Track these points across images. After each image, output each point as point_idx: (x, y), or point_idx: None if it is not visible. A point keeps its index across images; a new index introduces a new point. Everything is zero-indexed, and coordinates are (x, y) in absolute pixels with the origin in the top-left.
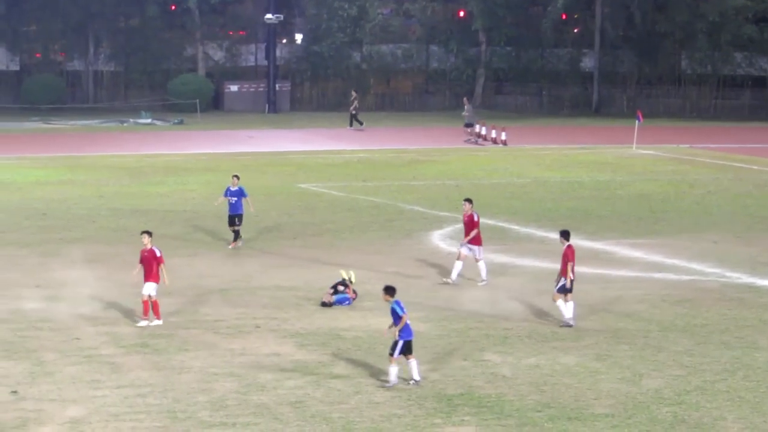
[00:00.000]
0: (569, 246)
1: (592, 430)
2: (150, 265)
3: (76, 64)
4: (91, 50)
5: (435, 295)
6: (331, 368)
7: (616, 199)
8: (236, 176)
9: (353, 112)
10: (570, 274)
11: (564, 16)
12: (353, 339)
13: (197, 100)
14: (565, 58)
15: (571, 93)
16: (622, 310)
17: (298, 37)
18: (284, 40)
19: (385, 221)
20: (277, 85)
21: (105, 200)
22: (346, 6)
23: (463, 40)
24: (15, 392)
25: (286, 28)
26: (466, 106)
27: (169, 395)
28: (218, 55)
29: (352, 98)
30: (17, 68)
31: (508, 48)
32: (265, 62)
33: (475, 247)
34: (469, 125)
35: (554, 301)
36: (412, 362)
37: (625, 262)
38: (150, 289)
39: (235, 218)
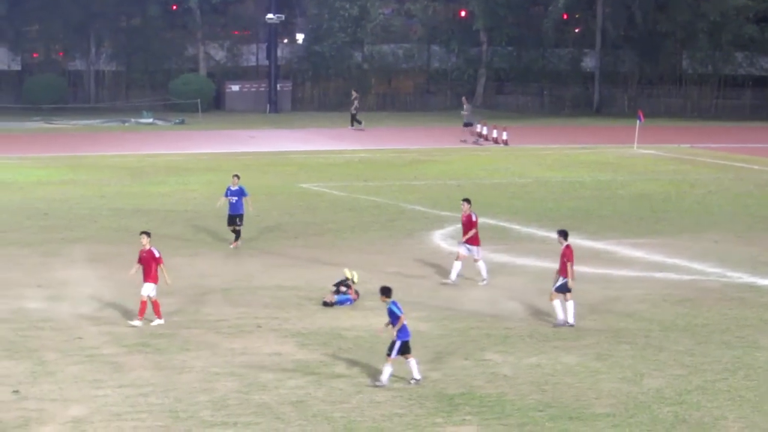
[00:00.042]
0: (568, 246)
1: (593, 429)
2: (149, 266)
3: (78, 64)
4: (93, 50)
5: (436, 295)
6: (332, 368)
7: (617, 199)
8: (236, 176)
9: (353, 111)
10: (569, 274)
11: (565, 16)
12: (354, 338)
13: (198, 100)
14: (566, 58)
15: (572, 93)
16: (623, 309)
17: (300, 37)
18: (285, 40)
19: (386, 221)
20: (278, 85)
21: (106, 200)
22: (348, 6)
23: (465, 40)
24: (17, 392)
25: (287, 28)
26: (465, 106)
27: (171, 395)
28: (219, 54)
29: (353, 98)
30: (19, 68)
31: (510, 48)
32: (267, 62)
33: (474, 248)
34: (468, 125)
35: (551, 300)
36: (411, 361)
37: (626, 262)
38: (149, 289)
39: (236, 218)
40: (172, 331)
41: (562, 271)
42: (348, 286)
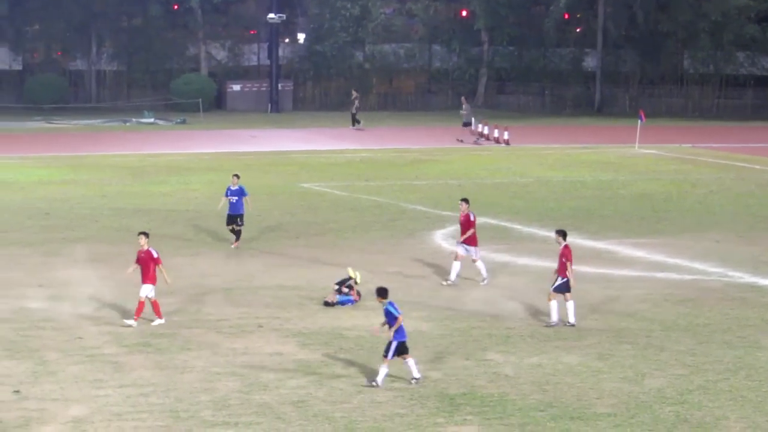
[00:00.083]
0: (566, 246)
1: (594, 429)
2: (147, 267)
3: (79, 64)
4: (94, 50)
5: (437, 295)
6: (333, 368)
7: (619, 199)
8: (236, 175)
9: (354, 111)
10: (569, 274)
11: (566, 16)
12: (356, 338)
13: (200, 100)
14: (568, 58)
15: (573, 92)
16: (624, 309)
17: (301, 37)
18: (287, 40)
19: (387, 221)
20: (279, 85)
21: (108, 200)
22: (349, 5)
23: (466, 40)
24: (18, 392)
25: (288, 28)
26: (464, 106)
27: (172, 394)
28: (221, 54)
29: (353, 98)
30: (20, 68)
31: (511, 47)
32: (268, 62)
33: (471, 248)
34: (467, 124)
35: (549, 300)
36: (410, 361)
37: (628, 262)
38: (147, 290)
39: (237, 218)
40: (173, 330)
41: (561, 271)
42: (350, 287)
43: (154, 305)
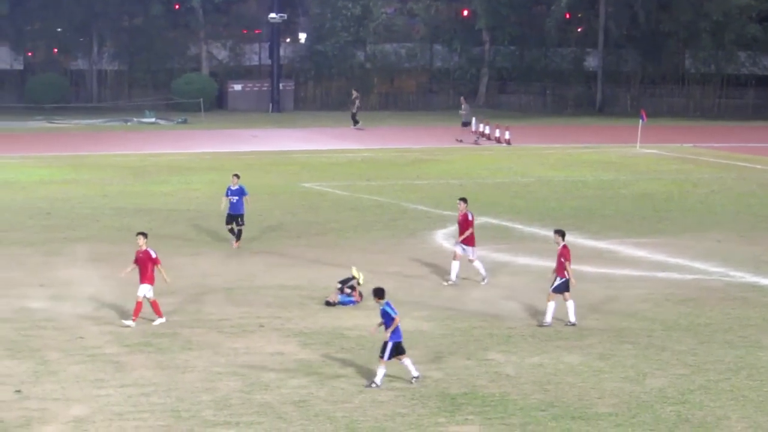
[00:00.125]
0: (565, 246)
1: (595, 429)
2: (145, 267)
3: (80, 64)
4: (95, 49)
5: (438, 294)
6: (334, 367)
7: (620, 199)
8: (236, 175)
9: (354, 111)
10: (567, 274)
11: (568, 16)
12: (357, 338)
13: (201, 100)
14: (569, 58)
15: (574, 92)
16: (625, 309)
17: (302, 37)
18: (288, 39)
19: (388, 220)
20: (280, 85)
21: (109, 199)
22: (350, 5)
23: (467, 40)
24: (19, 391)
25: (289, 27)
26: (463, 106)
27: (173, 394)
28: (222, 54)
29: (353, 97)
30: (21, 67)
31: (512, 47)
32: (269, 61)
33: (468, 248)
34: (466, 124)
35: (548, 301)
36: (406, 361)
37: (629, 262)
38: (145, 290)
39: (237, 218)
40: (174, 330)
41: (559, 271)
42: (353, 287)
43: (153, 305)
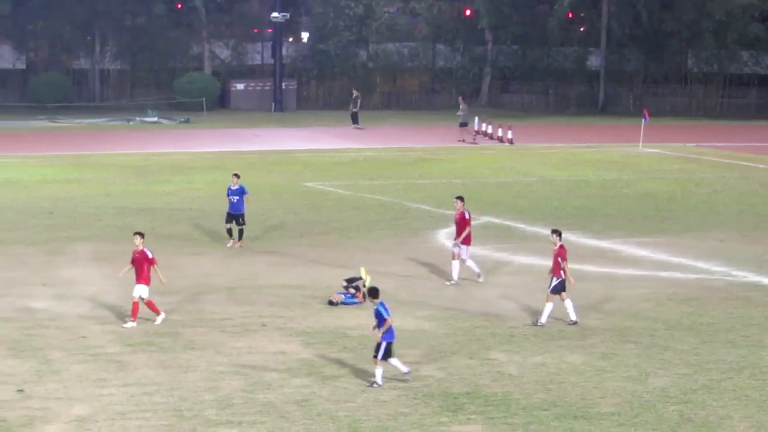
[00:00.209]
0: (562, 246)
1: (598, 428)
2: (141, 267)
3: (83, 63)
4: (98, 48)
5: (440, 294)
6: (337, 367)
7: (623, 198)
8: (236, 175)
9: (354, 110)
10: (563, 274)
11: (570, 15)
12: (359, 337)
13: (203, 99)
14: (572, 57)
15: (577, 91)
16: (628, 308)
17: (305, 36)
18: (290, 39)
19: (391, 220)
20: (283, 84)
21: (111, 199)
22: (353, 4)
23: (470, 39)
24: (21, 391)
25: (292, 27)
26: (461, 106)
27: (176, 393)
28: (224, 53)
29: (354, 97)
30: (23, 67)
31: (515, 46)
32: (272, 61)
33: (463, 247)
34: (464, 124)
35: (547, 301)
36: (392, 360)
37: (632, 261)
38: (140, 291)
39: (237, 217)
40: (176, 330)
41: (555, 271)
42: (357, 288)
43: (149, 305)
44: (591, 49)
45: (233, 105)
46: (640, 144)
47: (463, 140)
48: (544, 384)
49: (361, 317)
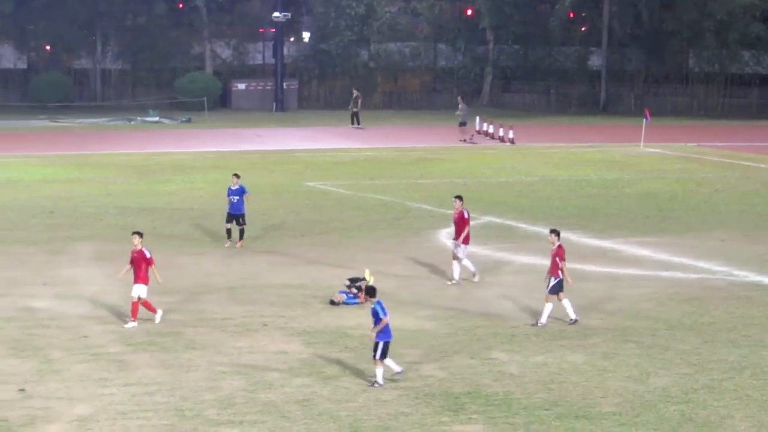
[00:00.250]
0: (560, 245)
1: (599, 428)
2: (139, 267)
3: (84, 63)
4: (99, 48)
5: (442, 294)
6: (338, 366)
7: (624, 198)
8: (236, 175)
9: (355, 110)
10: (561, 273)
11: (572, 15)
12: (360, 337)
13: (205, 99)
14: (573, 57)
15: (578, 91)
16: (629, 308)
17: (306, 36)
18: (292, 39)
19: (392, 219)
20: (284, 84)
21: (112, 198)
22: (354, 4)
23: (471, 39)
24: (23, 390)
25: (293, 26)
26: (459, 105)
27: (177, 393)
28: (226, 53)
29: (354, 96)
30: (25, 66)
31: (516, 46)
32: (273, 60)
33: (462, 246)
34: (463, 124)
35: (546, 302)
36: (386, 360)
37: (633, 261)
38: (139, 290)
39: (238, 218)
40: (177, 329)
41: (553, 271)
42: (359, 288)
43: (145, 305)
44: (592, 48)
45: (234, 105)
46: (642, 144)
47: (464, 140)
48: (545, 384)
49: (363, 317)
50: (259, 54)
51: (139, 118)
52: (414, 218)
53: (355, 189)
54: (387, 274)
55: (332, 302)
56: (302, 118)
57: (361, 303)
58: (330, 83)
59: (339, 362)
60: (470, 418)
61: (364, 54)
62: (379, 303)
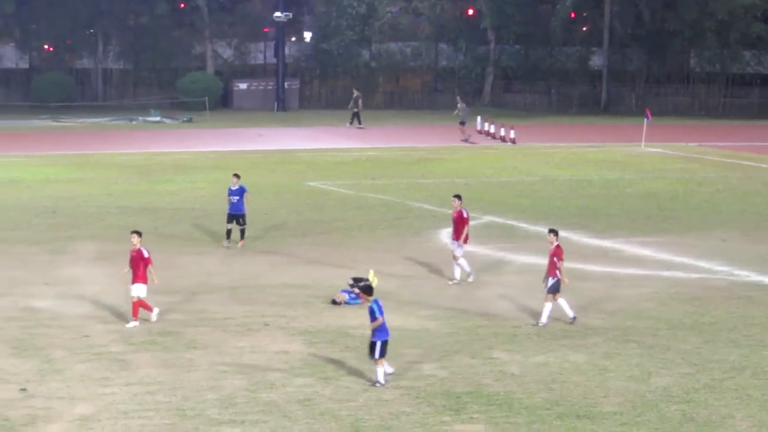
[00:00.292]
0: (558, 245)
1: (600, 427)
2: (137, 266)
3: (85, 62)
4: (100, 48)
5: (443, 293)
6: (339, 366)
7: (625, 197)
8: (236, 175)
9: (355, 110)
10: (558, 273)
11: (573, 15)
12: (362, 337)
13: (206, 98)
14: (574, 57)
15: (579, 91)
16: (630, 308)
17: (307, 35)
18: (293, 38)
19: (393, 219)
20: (286, 83)
21: (114, 198)
22: (355, 4)
23: (472, 38)
24: (24, 390)
25: (295, 26)
26: (459, 105)
27: (178, 393)
28: (227, 53)
29: (354, 96)
30: (26, 66)
31: (517, 46)
32: (274, 60)
33: (459, 245)
34: (464, 123)
35: (546, 301)
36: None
37: (634, 260)
38: (138, 290)
39: (238, 218)
40: (178, 329)
41: (551, 270)
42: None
43: (142, 303)
44: (593, 48)
45: (236, 104)
46: (643, 143)
47: (465, 139)
48: (546, 383)
49: (364, 317)
50: (261, 54)
51: (140, 118)
52: (415, 218)
53: (357, 189)
54: (388, 274)
55: (333, 302)
56: (304, 117)
57: (362, 303)
58: (331, 83)
59: (340, 362)
60: (471, 418)
61: (366, 54)
62: (376, 302)
